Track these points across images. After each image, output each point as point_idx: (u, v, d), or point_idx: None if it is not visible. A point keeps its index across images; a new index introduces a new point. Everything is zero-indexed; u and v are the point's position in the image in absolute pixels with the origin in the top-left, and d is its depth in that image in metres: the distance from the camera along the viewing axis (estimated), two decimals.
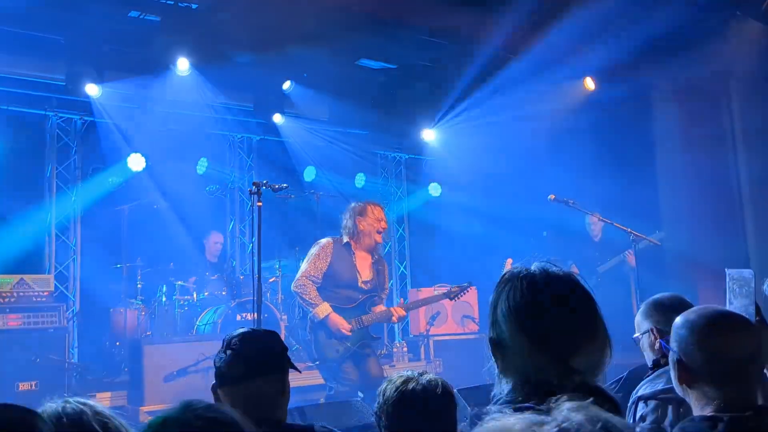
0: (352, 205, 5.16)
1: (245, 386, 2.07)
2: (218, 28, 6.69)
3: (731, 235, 7.94)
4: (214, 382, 2.17)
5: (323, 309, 4.85)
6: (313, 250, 5.03)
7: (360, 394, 4.80)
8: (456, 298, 5.52)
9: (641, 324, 2.63)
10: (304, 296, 4.90)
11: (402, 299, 5.42)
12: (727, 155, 8.12)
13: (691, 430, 1.71)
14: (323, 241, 5.09)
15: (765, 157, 7.61)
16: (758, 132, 7.77)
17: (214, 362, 2.19)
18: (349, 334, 4.88)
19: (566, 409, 0.84)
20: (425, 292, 7.90)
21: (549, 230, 8.61)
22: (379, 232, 5.03)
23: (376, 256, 5.18)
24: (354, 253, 5.04)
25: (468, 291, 5.54)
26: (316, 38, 7.40)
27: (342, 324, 4.86)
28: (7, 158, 7.10)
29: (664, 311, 2.54)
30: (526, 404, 1.13)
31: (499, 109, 8.67)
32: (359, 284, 5.02)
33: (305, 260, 5.07)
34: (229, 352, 2.15)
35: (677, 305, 2.40)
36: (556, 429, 0.80)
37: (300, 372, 2.39)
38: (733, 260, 7.86)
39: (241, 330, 2.24)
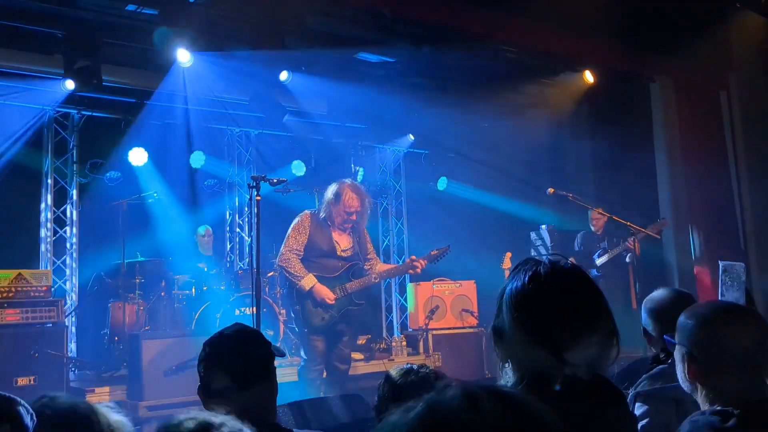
0: (334, 185, 5.37)
1: (233, 400, 1.96)
2: (216, 21, 6.66)
3: (730, 228, 7.95)
4: (199, 385, 2.10)
5: (308, 281, 5.14)
6: (293, 224, 5.33)
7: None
8: (437, 261, 5.68)
9: (643, 317, 2.63)
10: (289, 269, 5.19)
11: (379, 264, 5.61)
12: (726, 146, 8.12)
13: (702, 423, 1.70)
14: (301, 214, 5.38)
15: (764, 148, 7.60)
16: (757, 124, 7.76)
17: (198, 371, 2.10)
18: (333, 303, 5.16)
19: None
20: (424, 285, 7.91)
21: (548, 224, 8.62)
22: (347, 222, 5.28)
23: (354, 228, 5.41)
24: (330, 226, 5.31)
25: (446, 253, 5.67)
26: (314, 31, 7.38)
27: (326, 294, 5.15)
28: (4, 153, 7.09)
29: (655, 315, 2.55)
30: None
31: (497, 102, 8.66)
32: (338, 253, 5.30)
33: (287, 235, 5.31)
34: (211, 365, 2.06)
35: (672, 307, 2.38)
36: (424, 405, 0.83)
37: (284, 356, 2.31)
38: (732, 253, 7.86)
39: (220, 336, 2.13)
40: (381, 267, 5.63)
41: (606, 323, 1.51)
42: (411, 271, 5.52)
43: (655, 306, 2.58)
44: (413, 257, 5.56)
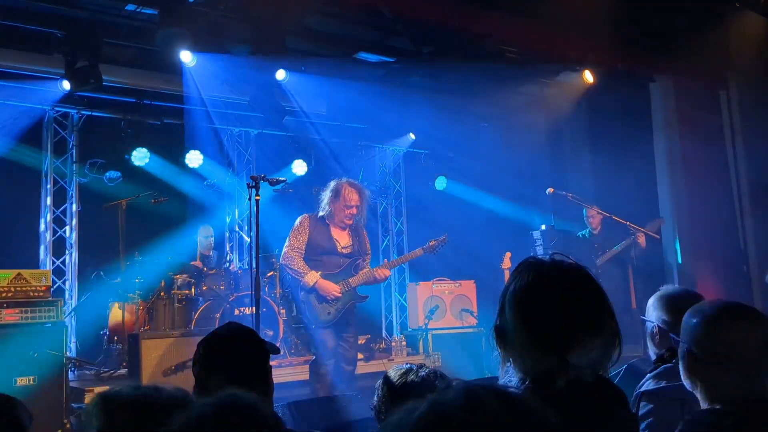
0: (332, 183, 5.47)
1: None
2: (216, 21, 6.66)
3: (730, 228, 7.95)
4: (195, 385, 2.10)
5: (311, 277, 5.23)
6: (294, 226, 5.45)
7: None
8: (435, 252, 5.77)
9: (650, 313, 2.59)
10: (292, 266, 5.29)
11: (386, 260, 5.66)
12: (725, 146, 8.12)
13: (699, 422, 1.69)
14: (301, 216, 5.49)
15: (763, 148, 7.60)
16: (757, 123, 7.76)
17: (193, 370, 2.11)
18: (340, 296, 5.26)
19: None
20: (423, 285, 7.91)
21: (548, 224, 8.61)
22: (348, 217, 5.36)
23: (353, 225, 5.49)
24: (329, 225, 5.41)
25: (444, 243, 5.77)
26: (314, 31, 7.38)
27: (332, 288, 5.25)
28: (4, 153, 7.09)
29: (673, 310, 2.52)
30: None
31: (497, 102, 8.66)
32: (339, 250, 5.39)
33: (288, 236, 5.42)
34: (206, 365, 2.07)
35: (688, 302, 2.36)
36: (427, 405, 0.82)
37: (279, 352, 2.29)
38: (731, 251, 7.87)
39: (215, 336, 2.12)
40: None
41: (609, 324, 1.49)
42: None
43: (672, 301, 2.53)
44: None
